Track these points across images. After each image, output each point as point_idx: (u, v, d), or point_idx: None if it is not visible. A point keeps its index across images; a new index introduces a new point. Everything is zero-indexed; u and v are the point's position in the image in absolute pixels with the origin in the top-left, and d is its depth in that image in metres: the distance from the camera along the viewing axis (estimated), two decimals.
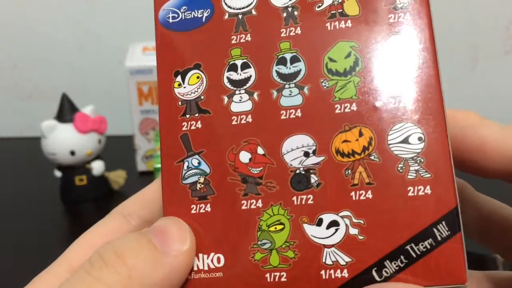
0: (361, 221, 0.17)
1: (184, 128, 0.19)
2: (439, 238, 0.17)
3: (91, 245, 0.19)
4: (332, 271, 0.17)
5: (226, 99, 0.19)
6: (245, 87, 0.19)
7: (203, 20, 0.20)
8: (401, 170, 0.17)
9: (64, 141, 0.54)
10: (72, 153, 0.54)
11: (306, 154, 0.18)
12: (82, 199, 0.56)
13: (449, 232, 0.17)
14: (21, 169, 0.66)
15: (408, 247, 0.17)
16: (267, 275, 0.18)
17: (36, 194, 0.59)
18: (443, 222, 0.17)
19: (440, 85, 0.18)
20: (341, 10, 0.19)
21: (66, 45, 0.75)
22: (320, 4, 0.19)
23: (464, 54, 0.73)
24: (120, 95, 0.68)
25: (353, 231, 0.17)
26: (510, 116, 0.75)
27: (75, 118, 0.54)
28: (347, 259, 0.17)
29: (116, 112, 0.66)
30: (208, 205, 0.19)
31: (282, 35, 0.19)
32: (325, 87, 0.18)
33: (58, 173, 0.56)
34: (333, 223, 0.18)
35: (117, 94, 0.72)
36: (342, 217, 0.18)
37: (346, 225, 0.17)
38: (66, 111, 0.54)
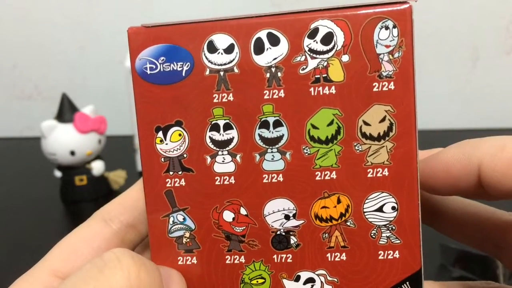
0: (335, 279, 0.19)
1: (168, 185, 0.20)
2: None
3: (73, 249, 0.20)
4: None
5: (209, 159, 0.19)
6: (227, 148, 0.19)
7: (183, 74, 0.19)
8: (373, 236, 0.19)
9: (64, 141, 0.54)
10: (72, 153, 0.54)
11: (287, 217, 0.19)
12: (82, 199, 0.56)
13: None
14: (21, 169, 0.66)
15: None
16: None
17: (36, 194, 0.59)
18: (407, 283, 0.19)
19: (416, 157, 0.18)
20: (325, 75, 0.18)
21: (66, 45, 0.75)
22: (304, 67, 0.18)
23: (464, 54, 0.73)
24: (120, 95, 0.68)
25: (328, 287, 0.19)
26: (510, 116, 0.75)
27: (75, 118, 0.54)
28: None
29: (116, 112, 0.66)
30: (194, 258, 0.20)
31: (265, 97, 0.19)
32: (306, 154, 0.19)
33: (58, 173, 0.56)
34: (310, 280, 0.19)
35: (117, 94, 0.72)
36: (318, 275, 0.19)
37: (321, 282, 0.19)
38: (66, 111, 0.54)
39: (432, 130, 0.72)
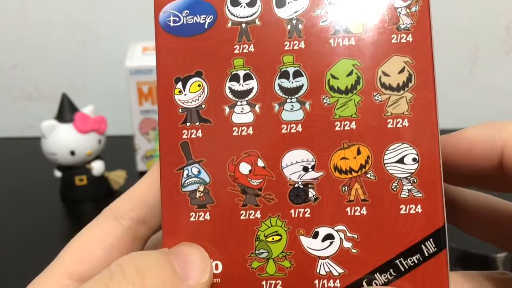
0: (355, 236, 0.18)
1: (184, 136, 0.19)
2: (426, 254, 0.18)
3: (86, 250, 0.19)
4: (325, 281, 0.18)
5: (227, 109, 0.19)
6: (247, 98, 0.19)
7: (206, 26, 0.19)
8: (395, 189, 0.18)
9: (64, 141, 0.54)
10: (72, 153, 0.54)
11: (305, 169, 0.19)
12: (82, 199, 0.56)
13: (435, 249, 0.18)
14: (21, 169, 0.66)
15: (397, 261, 0.18)
16: (263, 282, 0.19)
17: (36, 194, 0.59)
18: (431, 240, 0.18)
19: (436, 108, 0.18)
20: (345, 27, 0.19)
21: (66, 45, 0.75)
22: (324, 19, 0.19)
23: (464, 54, 0.73)
24: (120, 95, 0.68)
25: (347, 244, 0.18)
26: (510, 116, 0.75)
27: (75, 118, 0.54)
28: (340, 270, 0.18)
29: (116, 112, 0.66)
30: (207, 214, 0.19)
31: (286, 48, 0.19)
32: (326, 104, 0.19)
33: (58, 173, 0.56)
34: (329, 236, 0.18)
35: (117, 94, 0.72)
36: (337, 231, 0.18)
37: (341, 238, 0.18)
38: (66, 111, 0.54)
39: None
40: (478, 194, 0.22)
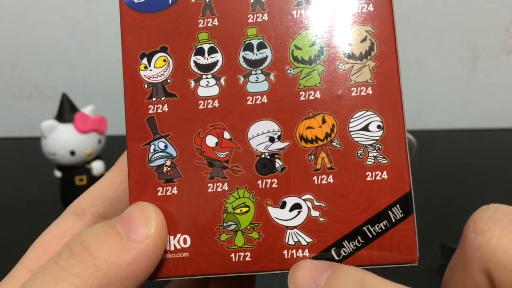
0: (322, 204, 0.18)
1: (150, 111, 0.19)
2: (393, 220, 0.18)
3: (46, 247, 0.20)
4: (294, 251, 0.18)
5: (193, 83, 0.19)
6: (212, 71, 0.19)
7: (169, 2, 0.20)
8: (360, 156, 0.19)
9: (64, 141, 0.54)
10: (72, 153, 0.54)
11: (271, 140, 0.19)
12: None
13: (402, 215, 0.18)
14: (21, 169, 0.66)
15: (365, 228, 0.18)
16: (232, 255, 0.19)
17: (36, 194, 0.59)
18: (398, 205, 0.18)
19: (399, 76, 0.19)
20: None
21: (66, 45, 0.75)
22: None
23: (464, 54, 0.73)
24: (120, 95, 0.68)
25: (315, 213, 0.18)
26: (510, 116, 0.75)
27: (75, 118, 0.54)
28: (309, 239, 0.18)
29: (116, 112, 0.66)
30: (175, 188, 0.19)
31: (249, 21, 0.19)
32: (290, 74, 0.19)
33: (58, 173, 0.56)
34: (296, 206, 0.19)
35: (117, 94, 0.72)
36: (304, 200, 0.19)
37: (308, 207, 0.19)
38: (66, 111, 0.54)
39: (432, 130, 0.72)
40: None
